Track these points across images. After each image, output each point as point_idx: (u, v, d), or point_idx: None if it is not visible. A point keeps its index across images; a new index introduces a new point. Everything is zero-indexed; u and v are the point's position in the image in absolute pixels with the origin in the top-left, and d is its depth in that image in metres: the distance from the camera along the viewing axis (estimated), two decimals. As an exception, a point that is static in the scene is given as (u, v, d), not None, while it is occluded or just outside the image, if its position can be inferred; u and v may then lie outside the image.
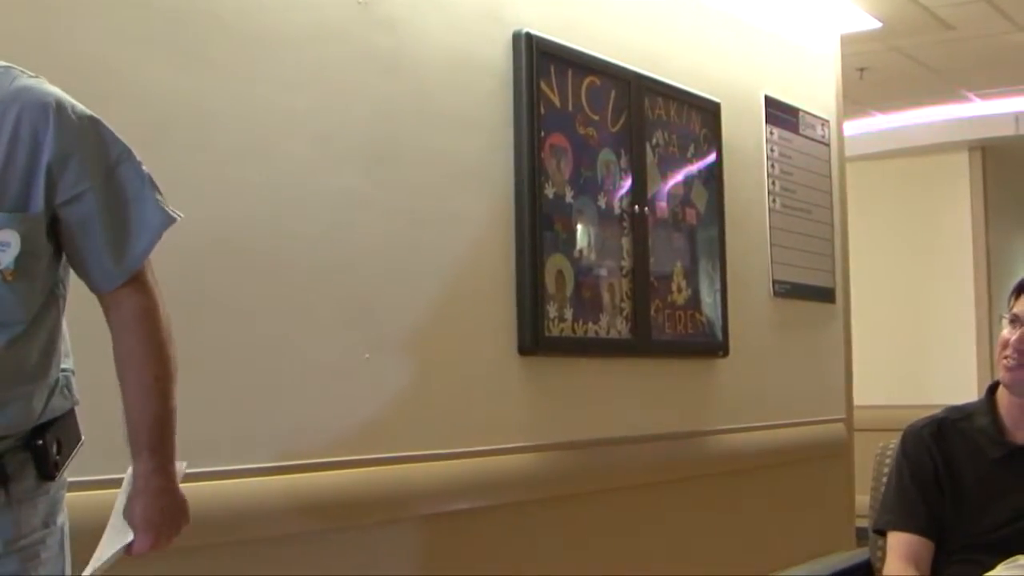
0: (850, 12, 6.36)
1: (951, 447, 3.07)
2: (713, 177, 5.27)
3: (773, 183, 5.83)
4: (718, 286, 5.22)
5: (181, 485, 2.08)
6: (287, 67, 3.44)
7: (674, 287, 4.94)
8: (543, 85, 4.27)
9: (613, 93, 4.65)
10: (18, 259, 1.86)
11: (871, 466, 3.40)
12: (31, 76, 1.97)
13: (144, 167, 2.03)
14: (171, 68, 3.13)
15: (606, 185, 4.58)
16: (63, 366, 2.04)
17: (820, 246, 6.20)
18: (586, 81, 4.51)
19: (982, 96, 8.81)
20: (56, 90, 1.96)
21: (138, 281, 1.99)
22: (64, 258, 2.01)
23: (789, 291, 5.86)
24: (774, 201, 5.81)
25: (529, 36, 4.23)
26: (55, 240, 1.95)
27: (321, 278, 3.50)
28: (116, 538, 2.02)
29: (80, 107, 1.97)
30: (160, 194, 2.04)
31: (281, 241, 3.39)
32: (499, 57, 4.19)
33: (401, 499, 3.67)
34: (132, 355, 1.99)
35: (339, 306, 3.54)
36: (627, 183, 4.70)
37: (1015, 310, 3.00)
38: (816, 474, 5.99)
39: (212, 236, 3.15)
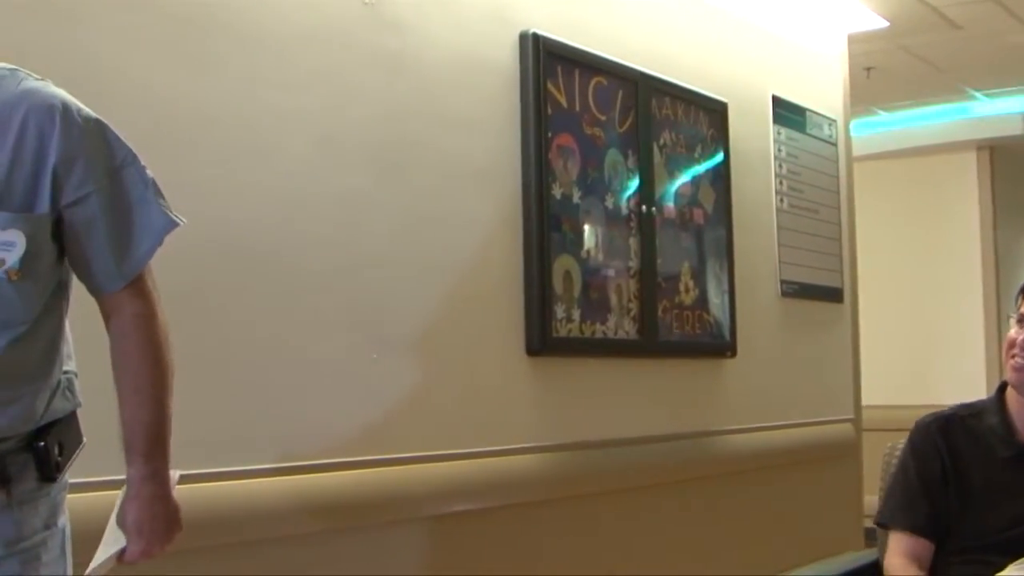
0: (857, 11, 6.35)
1: (959, 443, 3.06)
2: (720, 177, 5.26)
3: (780, 183, 5.82)
4: (726, 286, 5.21)
5: (176, 489, 2.07)
6: (292, 68, 3.44)
7: (682, 287, 4.94)
8: (550, 86, 4.27)
9: (620, 93, 4.64)
10: (23, 259, 1.87)
11: (879, 466, 3.39)
12: (37, 79, 1.97)
13: (148, 171, 2.03)
14: (176, 70, 3.13)
15: (613, 185, 4.58)
16: (65, 368, 2.04)
17: (828, 246, 6.19)
18: (593, 81, 4.50)
19: (989, 95, 8.80)
20: (62, 92, 1.97)
21: (138, 286, 2.00)
22: (67, 260, 2.01)
23: (797, 291, 5.86)
24: (781, 201, 5.81)
25: (536, 37, 4.23)
26: (59, 242, 1.96)
27: (327, 279, 3.49)
28: (111, 543, 2.02)
29: (86, 110, 1.98)
30: (163, 199, 2.04)
31: (286, 242, 3.38)
32: (506, 58, 4.19)
33: (407, 500, 3.67)
34: (129, 360, 1.99)
35: (345, 307, 3.54)
36: (634, 183, 4.69)
37: (1022, 310, 3.00)
38: (824, 474, 5.98)
39: (216, 237, 3.15)
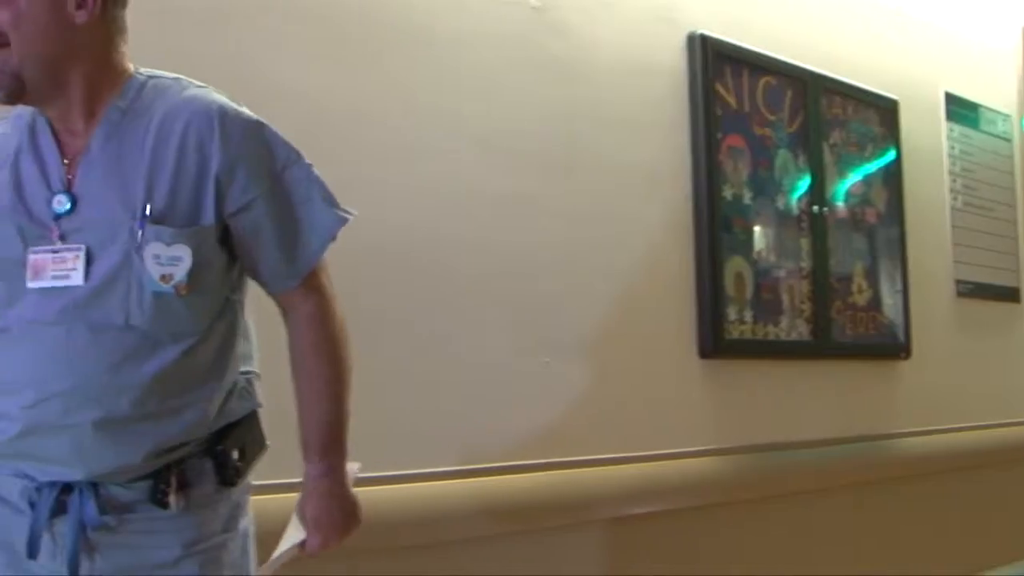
0: (1032, 3, 6.17)
1: None
2: (892, 176, 5.16)
3: (954, 181, 5.68)
4: (899, 286, 5.10)
5: (354, 484, 2.07)
6: (454, 71, 3.49)
7: (854, 288, 4.85)
8: (718, 86, 4.25)
9: (789, 93, 4.59)
10: (191, 273, 1.87)
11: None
12: (199, 86, 1.98)
13: (314, 169, 2.02)
14: (338, 72, 3.20)
15: (784, 186, 4.53)
16: (244, 368, 2.04)
17: (1004, 244, 6.02)
18: (762, 81, 4.46)
19: None
20: (221, 98, 1.97)
21: (311, 283, 1.99)
22: (239, 263, 2.02)
23: (973, 291, 5.70)
24: (955, 199, 5.67)
25: (703, 38, 4.21)
26: (228, 247, 1.95)
27: (494, 283, 3.52)
28: (292, 537, 2.05)
29: (245, 113, 1.97)
30: (330, 195, 2.02)
31: (452, 246, 3.42)
32: (673, 59, 4.18)
33: (584, 503, 3.67)
34: (304, 357, 1.99)
35: (512, 311, 3.57)
36: (805, 183, 4.63)
37: None
38: (1006, 477, 5.81)
39: (378, 241, 3.18)
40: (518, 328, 3.58)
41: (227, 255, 1.96)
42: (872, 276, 4.96)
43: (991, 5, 6.04)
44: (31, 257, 1.86)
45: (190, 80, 1.99)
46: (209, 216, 1.89)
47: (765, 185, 4.43)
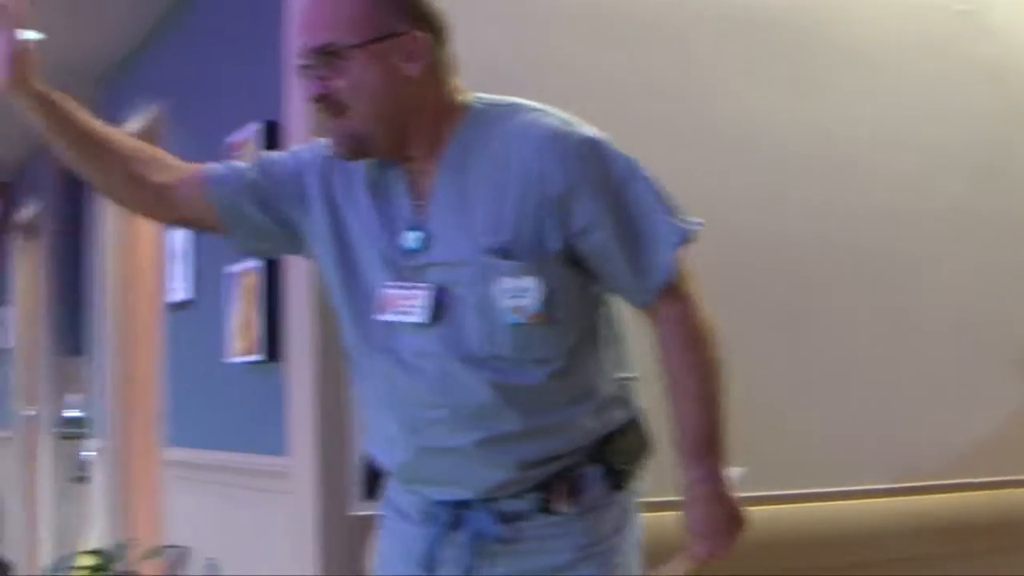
0: None
1: None
2: None
3: None
4: None
5: (737, 488, 2.01)
6: (891, 81, 3.48)
7: None
8: None
9: None
10: (544, 302, 1.88)
11: None
12: (533, 110, 1.96)
13: (653, 179, 1.95)
14: (781, 90, 3.29)
15: None
16: (621, 375, 2.04)
17: None
18: None
19: None
20: (555, 120, 1.94)
21: (672, 291, 1.95)
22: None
23: None
24: None
25: None
26: (580, 268, 1.94)
27: (935, 294, 3.48)
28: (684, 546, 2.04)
29: (581, 132, 1.93)
30: (672, 204, 1.96)
31: (894, 259, 3.42)
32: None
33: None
34: (673, 364, 1.96)
35: (955, 322, 3.50)
36: None
37: None
38: None
39: (823, 257, 3.24)
40: (962, 340, 3.51)
41: (582, 275, 1.95)
42: None
43: None
44: (383, 292, 1.94)
45: (525, 104, 1.98)
46: (554, 242, 1.89)
47: None
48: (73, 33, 5.12)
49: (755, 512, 1.99)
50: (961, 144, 3.59)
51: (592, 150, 1.92)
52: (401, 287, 1.94)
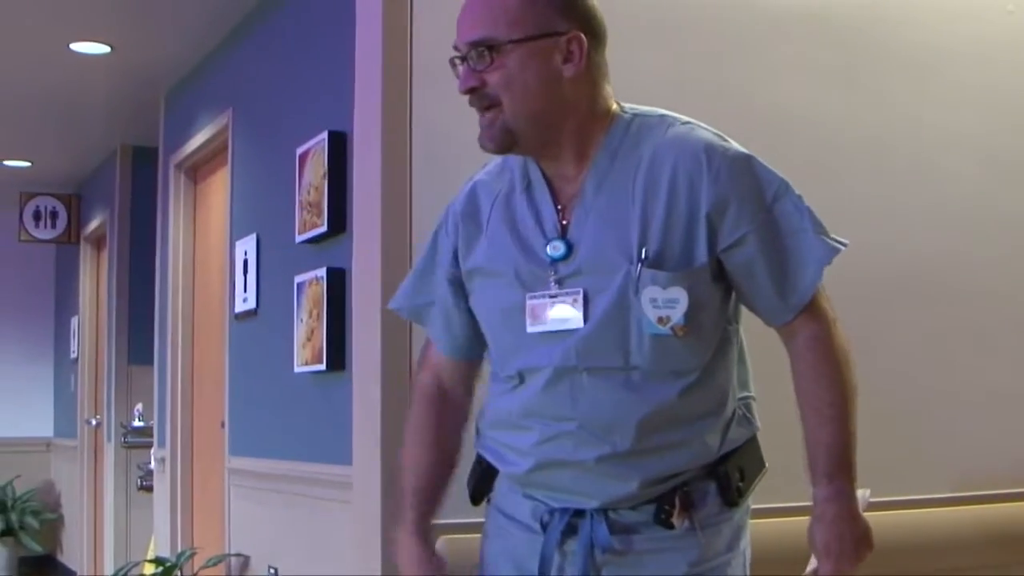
0: None
1: None
2: None
3: None
4: None
5: (866, 510, 2.02)
6: (955, 87, 3.46)
7: None
8: None
9: None
10: (687, 314, 1.88)
11: None
12: (684, 123, 1.98)
13: (802, 199, 1.96)
14: (842, 97, 3.28)
15: None
16: (741, 394, 2.04)
17: None
18: None
19: None
20: (707, 135, 1.96)
21: (809, 309, 1.96)
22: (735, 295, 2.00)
23: None
24: None
25: None
26: (723, 283, 1.96)
27: (999, 303, 3.45)
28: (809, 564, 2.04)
29: (733, 148, 1.95)
30: (821, 225, 1.96)
31: (956, 267, 3.39)
32: None
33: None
34: (806, 382, 1.96)
35: (1016, 330, 3.47)
36: None
37: None
38: None
39: (885, 264, 3.23)
40: (1022, 349, 3.48)
41: (723, 290, 1.97)
42: None
43: None
44: (530, 303, 1.95)
45: (675, 116, 1.99)
46: (702, 256, 1.90)
47: None
48: (145, 42, 5.20)
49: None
50: (1021, 148, 3.55)
51: (745, 166, 1.94)
52: (546, 296, 1.95)
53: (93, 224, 7.70)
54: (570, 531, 1.99)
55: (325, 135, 3.74)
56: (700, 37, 3.14)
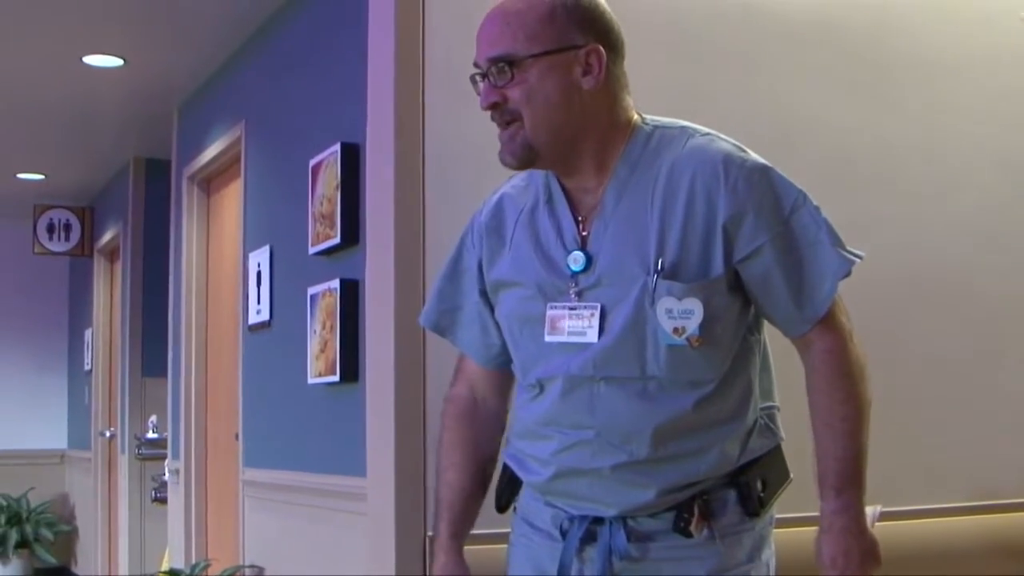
0: None
1: None
2: None
3: None
4: None
5: (875, 525, 2.03)
6: (971, 94, 3.46)
7: None
8: None
9: None
10: (703, 325, 1.89)
11: None
12: (704, 134, 1.99)
13: (820, 211, 1.97)
14: (855, 105, 3.28)
15: None
16: (764, 404, 2.05)
17: None
18: None
19: None
20: (726, 145, 1.97)
21: (825, 322, 1.97)
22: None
23: None
24: None
25: None
26: (740, 293, 1.97)
27: (1014, 312, 3.44)
28: None
29: (751, 159, 1.96)
30: (837, 237, 1.97)
31: (975, 274, 3.39)
32: None
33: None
34: (819, 395, 1.97)
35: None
36: None
37: None
38: None
39: (903, 272, 3.23)
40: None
41: (740, 301, 1.98)
42: None
43: None
44: (549, 313, 1.97)
45: (695, 128, 2.01)
46: (719, 267, 1.91)
47: None
48: (158, 55, 5.22)
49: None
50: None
51: (763, 177, 1.95)
52: (565, 307, 1.97)
53: (107, 236, 7.73)
54: (589, 538, 2.00)
55: (338, 147, 3.75)
56: (714, 47, 3.15)
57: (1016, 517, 3.32)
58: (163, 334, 6.03)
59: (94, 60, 5.21)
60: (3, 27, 4.77)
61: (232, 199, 5.22)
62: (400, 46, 2.90)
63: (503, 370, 2.16)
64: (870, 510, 2.02)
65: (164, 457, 6.08)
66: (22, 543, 8.36)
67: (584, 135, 1.96)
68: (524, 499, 2.12)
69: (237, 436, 4.79)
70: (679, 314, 1.89)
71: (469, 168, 2.74)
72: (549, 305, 1.97)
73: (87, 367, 8.21)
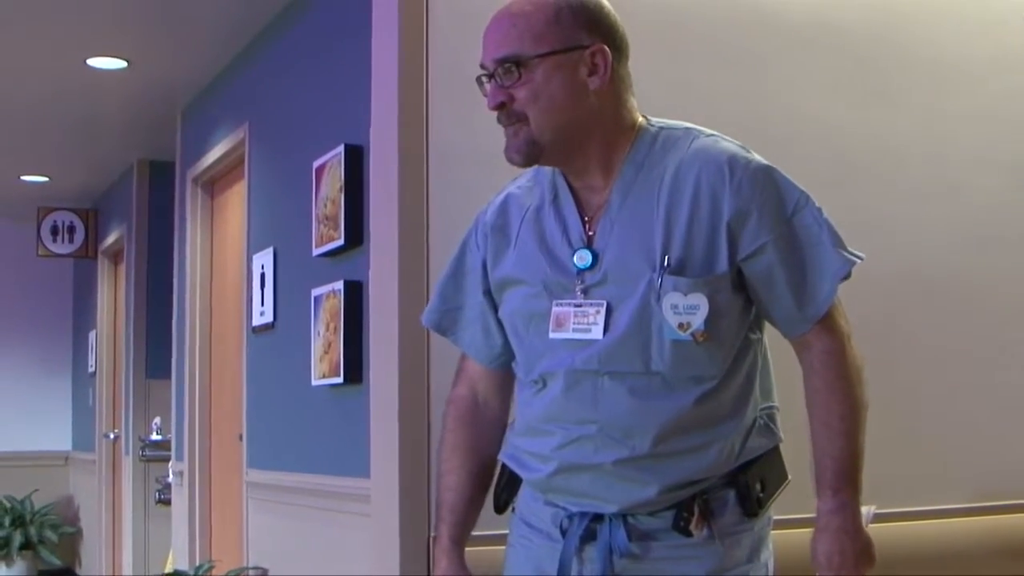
0: None
1: None
2: None
3: None
4: None
5: (870, 526, 2.03)
6: (975, 96, 3.46)
7: None
8: None
9: None
10: (707, 320, 1.92)
11: None
12: (708, 135, 2.02)
13: (822, 212, 2.00)
14: (856, 106, 3.28)
15: None
16: (764, 404, 2.06)
17: None
18: None
19: None
20: (731, 146, 2.00)
21: (824, 323, 1.99)
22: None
23: None
24: None
25: None
26: (743, 292, 1.99)
27: (1016, 314, 3.44)
28: None
29: (755, 160, 1.99)
30: (838, 238, 2.00)
31: (979, 277, 3.39)
32: None
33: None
34: (817, 396, 1.99)
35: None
36: None
37: None
38: None
39: (906, 274, 3.23)
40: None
41: (743, 299, 2.00)
42: None
43: None
44: (555, 310, 1.99)
45: (700, 129, 2.04)
46: (723, 264, 1.94)
47: None
48: (162, 57, 5.23)
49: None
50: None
51: (767, 177, 1.98)
52: (571, 304, 1.99)
53: (110, 239, 7.74)
54: (589, 536, 2.01)
55: (341, 148, 3.75)
56: (715, 48, 3.15)
57: (1017, 518, 3.32)
58: (167, 336, 6.04)
59: (98, 62, 5.22)
60: (7, 30, 4.78)
61: (236, 201, 5.23)
62: (404, 48, 2.90)
63: (505, 370, 2.17)
64: (865, 510, 2.03)
65: (168, 459, 6.09)
66: (26, 545, 8.37)
67: (589, 135, 1.98)
68: (523, 500, 2.13)
69: (241, 438, 4.80)
70: (684, 309, 1.92)
71: (473, 170, 2.75)
72: (555, 302, 2.00)
73: (91, 369, 8.23)
